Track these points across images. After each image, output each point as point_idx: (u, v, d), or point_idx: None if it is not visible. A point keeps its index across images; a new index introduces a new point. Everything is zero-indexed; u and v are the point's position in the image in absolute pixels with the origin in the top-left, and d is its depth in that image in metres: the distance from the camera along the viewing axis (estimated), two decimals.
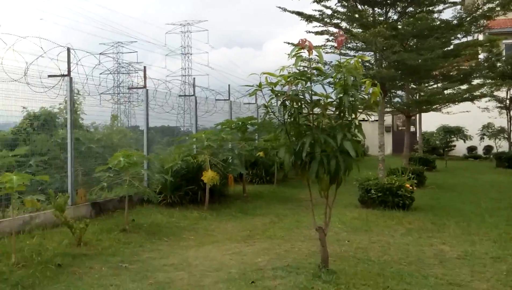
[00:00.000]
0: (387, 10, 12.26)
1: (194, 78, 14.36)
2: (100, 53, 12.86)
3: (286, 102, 5.54)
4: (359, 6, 11.90)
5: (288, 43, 13.26)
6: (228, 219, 9.55)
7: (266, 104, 5.77)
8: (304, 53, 5.37)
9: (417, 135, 22.76)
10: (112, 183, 8.81)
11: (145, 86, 11.01)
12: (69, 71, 8.78)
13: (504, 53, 20.95)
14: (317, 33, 12.62)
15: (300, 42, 5.27)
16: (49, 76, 8.62)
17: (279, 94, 5.55)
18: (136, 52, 51.47)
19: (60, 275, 5.67)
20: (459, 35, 13.61)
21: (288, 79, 5.33)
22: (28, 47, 7.99)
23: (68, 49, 8.66)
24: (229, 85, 15.52)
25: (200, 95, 13.73)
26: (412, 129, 25.44)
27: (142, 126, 14.17)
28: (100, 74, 10.48)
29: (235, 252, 6.86)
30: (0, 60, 7.52)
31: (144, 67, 11.32)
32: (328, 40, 12.93)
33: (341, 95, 5.35)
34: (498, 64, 19.73)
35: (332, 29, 12.36)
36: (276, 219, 9.52)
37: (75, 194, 8.79)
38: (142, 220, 8.85)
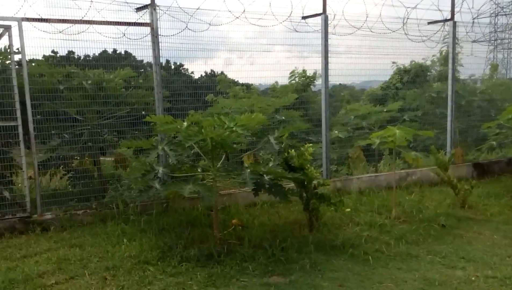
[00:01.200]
0: None
1: None
2: None
3: None
4: None
5: None
6: None
7: None
8: None
9: None
10: (501, 142, 8.11)
11: None
12: (452, 14, 8.54)
13: None
14: None
15: None
16: (429, 23, 8.60)
17: None
18: None
19: (445, 236, 5.69)
20: None
21: None
22: None
23: None
24: None
25: None
26: None
27: None
28: (473, 18, 9.84)
29: None
30: (379, 14, 7.91)
31: None
32: None
33: None
34: None
35: None
36: None
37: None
38: None
